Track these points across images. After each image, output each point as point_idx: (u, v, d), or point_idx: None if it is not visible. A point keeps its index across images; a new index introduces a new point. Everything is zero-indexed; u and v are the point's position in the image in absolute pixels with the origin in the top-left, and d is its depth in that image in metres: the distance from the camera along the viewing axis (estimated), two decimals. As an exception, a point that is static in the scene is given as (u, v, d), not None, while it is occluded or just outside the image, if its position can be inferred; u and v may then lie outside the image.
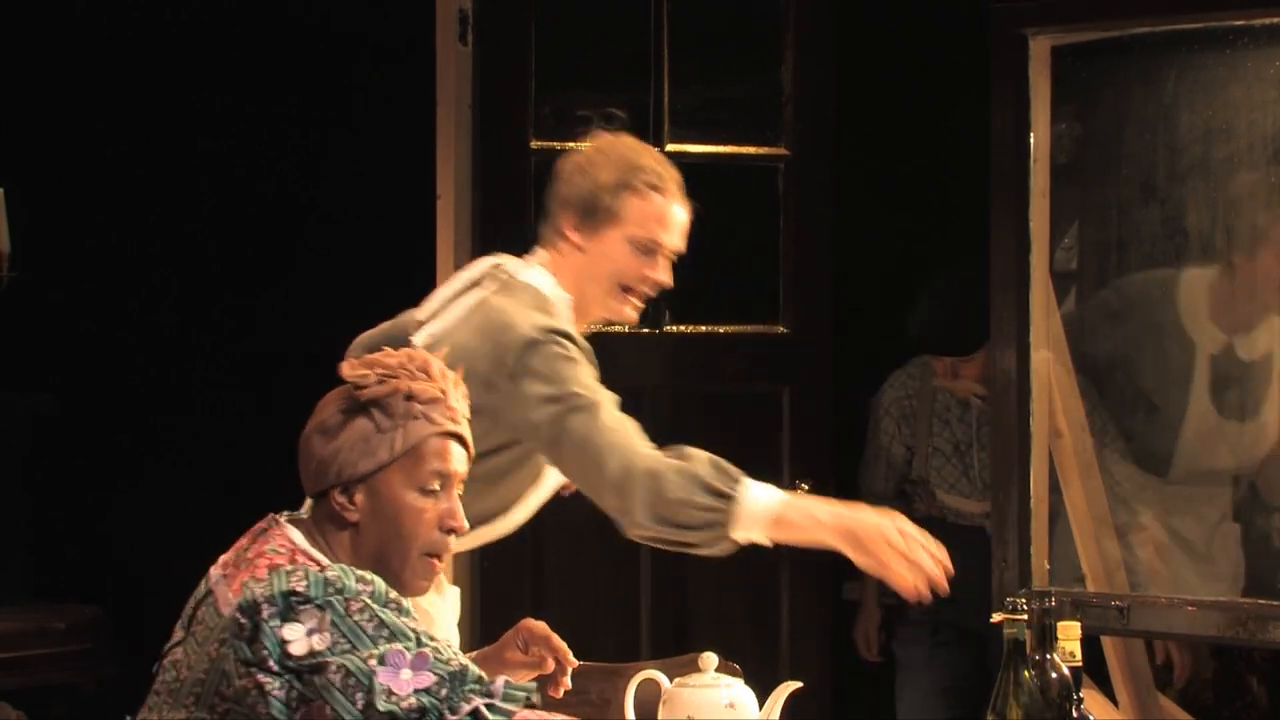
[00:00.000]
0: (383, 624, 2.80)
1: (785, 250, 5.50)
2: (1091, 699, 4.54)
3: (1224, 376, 4.68)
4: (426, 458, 2.97)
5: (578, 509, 5.43)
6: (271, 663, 2.80)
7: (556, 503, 5.43)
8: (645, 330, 5.46)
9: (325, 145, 6.16)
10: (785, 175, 5.50)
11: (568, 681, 3.29)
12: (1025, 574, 4.62)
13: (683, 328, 5.47)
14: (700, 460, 3.48)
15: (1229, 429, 4.66)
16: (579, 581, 5.39)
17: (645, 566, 5.37)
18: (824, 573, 5.53)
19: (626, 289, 3.79)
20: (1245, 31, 4.52)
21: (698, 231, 5.53)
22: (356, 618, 2.80)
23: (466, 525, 3.02)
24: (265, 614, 2.81)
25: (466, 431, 3.02)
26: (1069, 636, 3.09)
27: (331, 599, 2.80)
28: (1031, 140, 4.72)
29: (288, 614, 2.80)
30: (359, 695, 2.76)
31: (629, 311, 3.86)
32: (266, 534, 2.97)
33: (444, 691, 2.77)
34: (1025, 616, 3.06)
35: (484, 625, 5.27)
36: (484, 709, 2.78)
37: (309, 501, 3.04)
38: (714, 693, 3.32)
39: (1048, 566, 4.69)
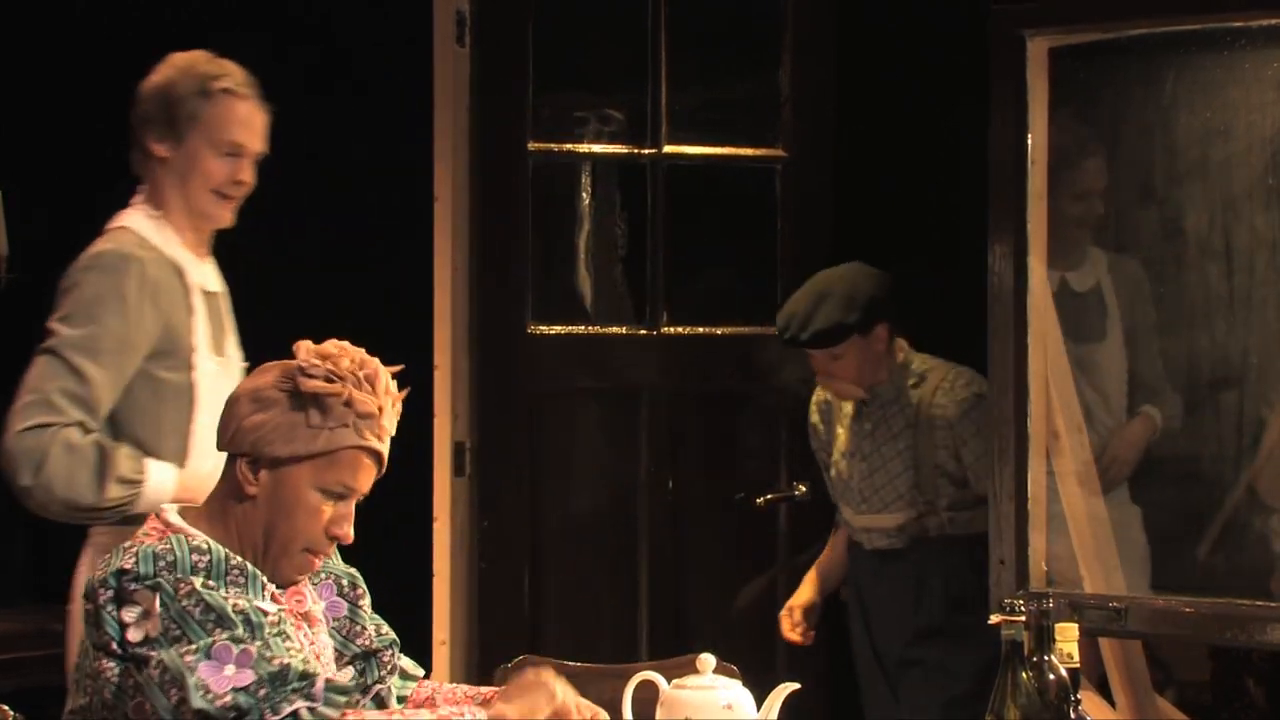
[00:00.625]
0: (209, 608, 2.83)
1: (783, 252, 5.51)
2: (1089, 701, 4.54)
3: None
4: (341, 466, 3.01)
5: (577, 512, 5.46)
6: (114, 645, 2.85)
7: (557, 505, 5.46)
8: (643, 331, 5.47)
9: (322, 146, 6.15)
10: (783, 176, 5.50)
11: None
12: (1023, 575, 4.62)
13: (680, 329, 5.48)
14: None
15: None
16: (578, 583, 5.39)
17: (644, 568, 5.38)
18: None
19: (219, 193, 3.86)
20: (1244, 33, 4.52)
21: (695, 233, 5.56)
22: (184, 602, 2.83)
23: (352, 537, 3.06)
24: (102, 598, 2.87)
25: (386, 450, 3.07)
26: (1067, 638, 3.09)
27: (160, 579, 2.84)
28: (1030, 141, 4.72)
29: (123, 596, 2.85)
30: (174, 692, 2.80)
31: (226, 214, 3.94)
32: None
33: (263, 691, 2.80)
34: (1023, 618, 3.06)
35: (482, 626, 5.28)
36: (305, 712, 2.79)
37: None
38: (712, 694, 3.32)
39: (1045, 568, 4.69)
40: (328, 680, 2.85)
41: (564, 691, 3.03)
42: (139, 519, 3.28)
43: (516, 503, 5.33)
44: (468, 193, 5.31)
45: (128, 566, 2.85)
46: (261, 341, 6.27)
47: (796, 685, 3.35)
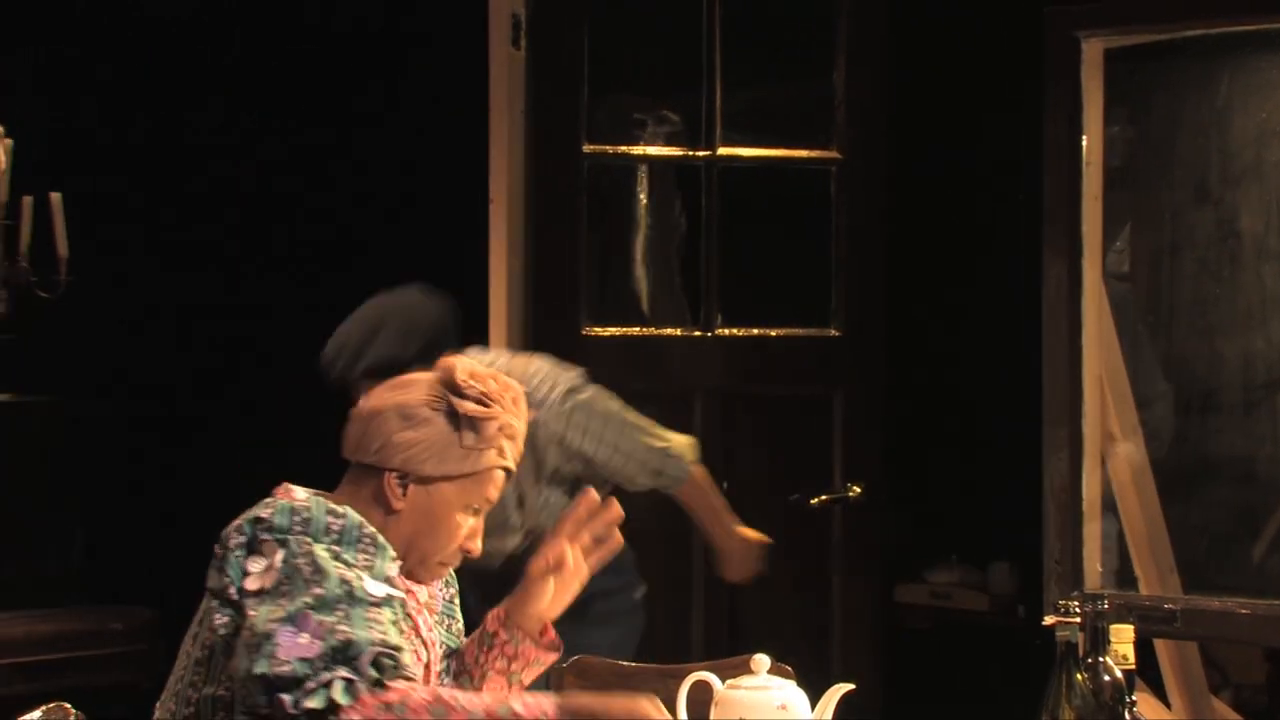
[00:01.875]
0: (317, 569, 2.84)
1: (837, 253, 5.50)
2: (1145, 702, 4.53)
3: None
4: (485, 485, 3.06)
5: (632, 511, 5.47)
6: (232, 590, 2.87)
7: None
8: (697, 333, 5.47)
9: (378, 149, 6.19)
10: (837, 178, 5.50)
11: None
12: (1077, 577, 4.61)
13: (735, 330, 5.48)
14: None
15: None
16: (632, 584, 5.39)
17: (698, 568, 5.37)
18: (876, 574, 5.53)
19: None
20: (1300, 34, 4.51)
21: (749, 234, 5.56)
22: (299, 560, 2.85)
23: (480, 550, 3.10)
24: (233, 542, 2.89)
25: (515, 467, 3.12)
26: (1122, 639, 3.09)
27: (290, 537, 2.86)
28: (1084, 143, 4.72)
29: (254, 545, 2.87)
30: (252, 655, 2.81)
31: None
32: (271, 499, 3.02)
33: (322, 662, 2.79)
34: (1077, 619, 3.06)
35: (537, 627, 5.29)
36: (338, 681, 2.78)
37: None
38: (766, 694, 3.32)
39: (1099, 569, 4.68)
40: (386, 650, 2.84)
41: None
42: None
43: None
44: (523, 195, 5.32)
45: (264, 515, 2.89)
46: (319, 346, 6.32)
47: (851, 686, 3.35)
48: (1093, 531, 4.68)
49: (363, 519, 2.95)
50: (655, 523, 5.43)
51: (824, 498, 5.42)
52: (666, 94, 5.50)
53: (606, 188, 5.52)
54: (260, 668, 2.78)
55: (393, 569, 2.95)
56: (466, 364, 3.07)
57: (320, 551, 2.86)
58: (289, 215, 6.32)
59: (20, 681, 4.90)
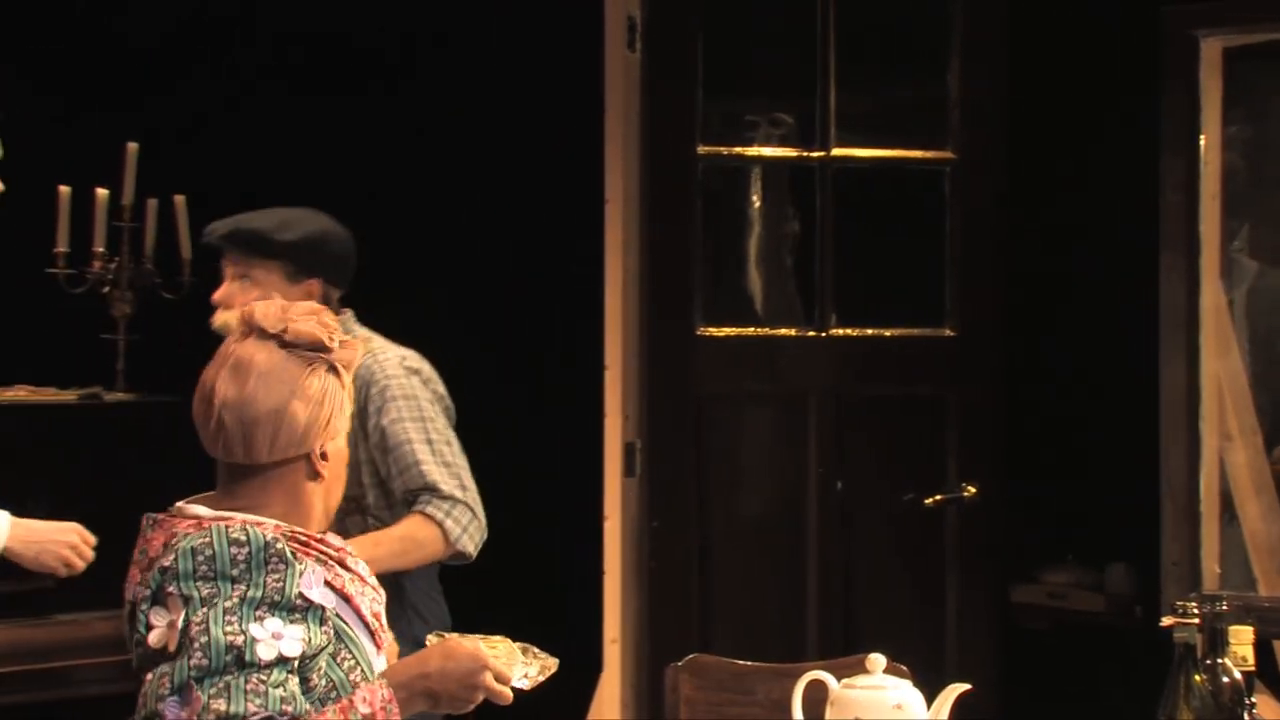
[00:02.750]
0: (205, 631, 2.82)
1: (952, 254, 5.49)
2: (1265, 704, 4.50)
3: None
4: (346, 407, 3.08)
5: (745, 513, 5.49)
6: (139, 649, 2.89)
7: (725, 506, 5.48)
8: (811, 333, 5.48)
9: (494, 150, 6.23)
10: (952, 179, 5.49)
11: None
12: (1195, 578, 4.59)
13: (848, 330, 5.48)
14: None
15: None
16: (747, 583, 5.41)
17: (813, 567, 5.39)
18: (992, 573, 5.52)
19: None
20: None
21: (863, 235, 5.56)
22: (194, 623, 2.83)
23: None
24: (139, 596, 2.91)
25: None
26: (1241, 641, 3.07)
27: (193, 590, 2.84)
28: (1202, 142, 4.69)
29: (159, 595, 2.88)
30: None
31: None
32: (159, 525, 3.02)
33: None
34: (1196, 620, 3.05)
35: (652, 625, 5.32)
36: None
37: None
38: (881, 694, 3.33)
39: (1218, 570, 4.65)
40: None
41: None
42: None
43: (685, 503, 5.36)
44: (638, 196, 5.35)
45: (168, 564, 2.88)
46: (436, 345, 6.36)
47: (967, 686, 3.35)
48: (1211, 532, 4.66)
49: (270, 538, 2.90)
50: (770, 522, 5.45)
51: (939, 497, 5.42)
52: (781, 95, 5.50)
53: (720, 189, 5.53)
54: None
55: (306, 579, 2.91)
56: (298, 315, 3.03)
57: (217, 611, 2.83)
58: (398, 220, 6.36)
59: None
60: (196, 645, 2.80)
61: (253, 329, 3.03)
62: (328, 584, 2.96)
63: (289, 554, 2.90)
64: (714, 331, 5.43)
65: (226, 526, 2.90)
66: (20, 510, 4.06)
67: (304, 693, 2.87)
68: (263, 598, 2.85)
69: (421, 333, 6.35)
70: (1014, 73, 5.57)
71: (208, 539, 2.88)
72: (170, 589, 2.85)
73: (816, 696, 3.39)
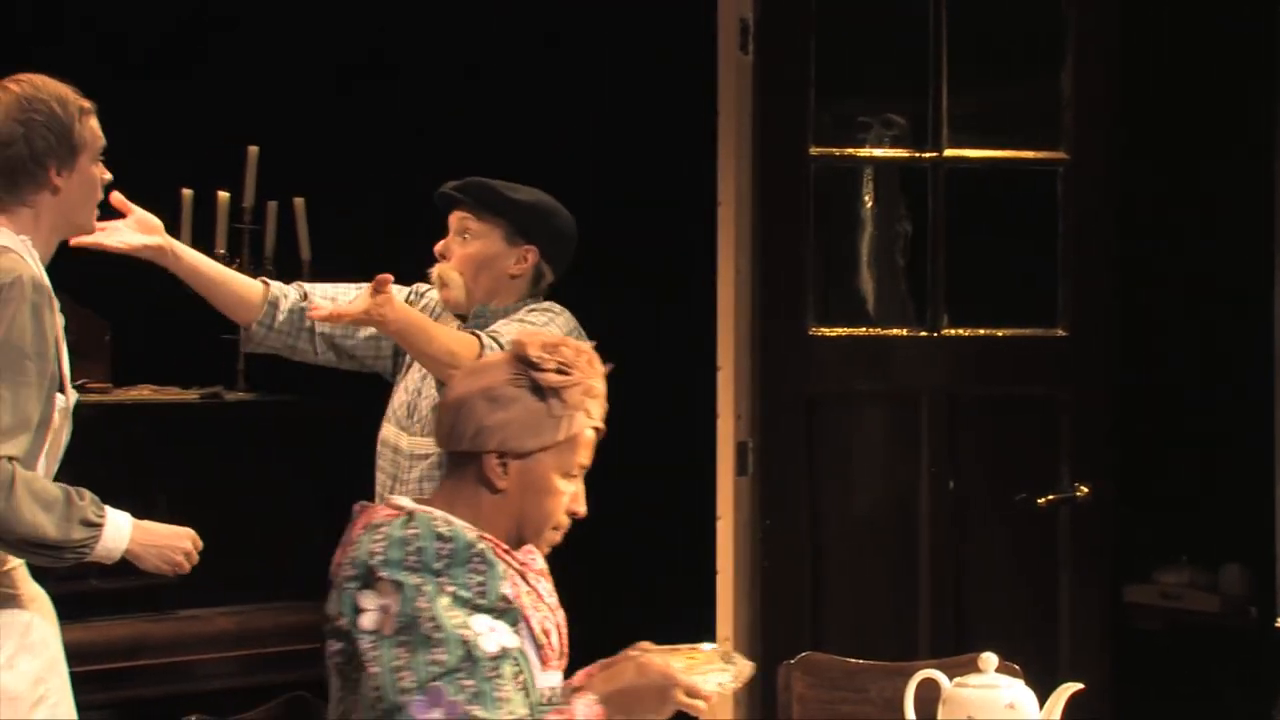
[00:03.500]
0: (437, 624, 2.94)
1: (1064, 254, 5.48)
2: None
3: None
4: (579, 449, 3.16)
5: (858, 512, 5.50)
6: (343, 621, 2.99)
7: (837, 505, 5.50)
8: (923, 333, 5.49)
9: (606, 151, 6.26)
10: (1064, 180, 5.48)
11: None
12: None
13: (960, 331, 5.49)
14: None
15: None
16: (859, 581, 5.42)
17: (924, 566, 5.39)
18: (1105, 574, 5.50)
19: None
20: None
21: (975, 235, 5.56)
22: (418, 612, 2.94)
23: (585, 510, 3.19)
24: (344, 574, 3.01)
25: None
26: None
27: (404, 578, 2.95)
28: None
29: (368, 579, 2.98)
30: (379, 706, 2.93)
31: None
32: (367, 511, 3.12)
33: None
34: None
35: (765, 623, 5.35)
36: None
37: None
38: (994, 693, 3.33)
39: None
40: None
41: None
42: None
43: (798, 502, 5.38)
44: (750, 197, 5.38)
45: (376, 549, 2.99)
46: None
47: (1079, 686, 3.36)
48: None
49: (472, 536, 3.03)
50: (881, 521, 5.46)
51: (1051, 497, 5.41)
52: (893, 96, 5.51)
53: (831, 189, 5.55)
54: None
55: (505, 586, 3.03)
56: (537, 338, 3.17)
57: (439, 604, 2.95)
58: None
59: (268, 671, 5.04)
60: (432, 640, 2.94)
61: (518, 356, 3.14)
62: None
63: (490, 554, 3.03)
64: (826, 331, 5.45)
65: (431, 520, 3.03)
66: (144, 506, 4.15)
67: None
68: (469, 600, 2.98)
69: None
70: (1128, 72, 5.55)
71: (416, 530, 3.01)
72: (382, 574, 2.97)
73: (929, 695, 3.40)
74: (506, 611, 3.02)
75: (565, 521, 3.19)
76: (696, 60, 5.47)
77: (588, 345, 3.22)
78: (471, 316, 4.40)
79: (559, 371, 3.12)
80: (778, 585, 5.35)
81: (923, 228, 5.51)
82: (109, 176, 3.80)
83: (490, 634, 2.98)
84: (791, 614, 5.33)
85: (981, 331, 5.49)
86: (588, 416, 3.15)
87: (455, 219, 4.42)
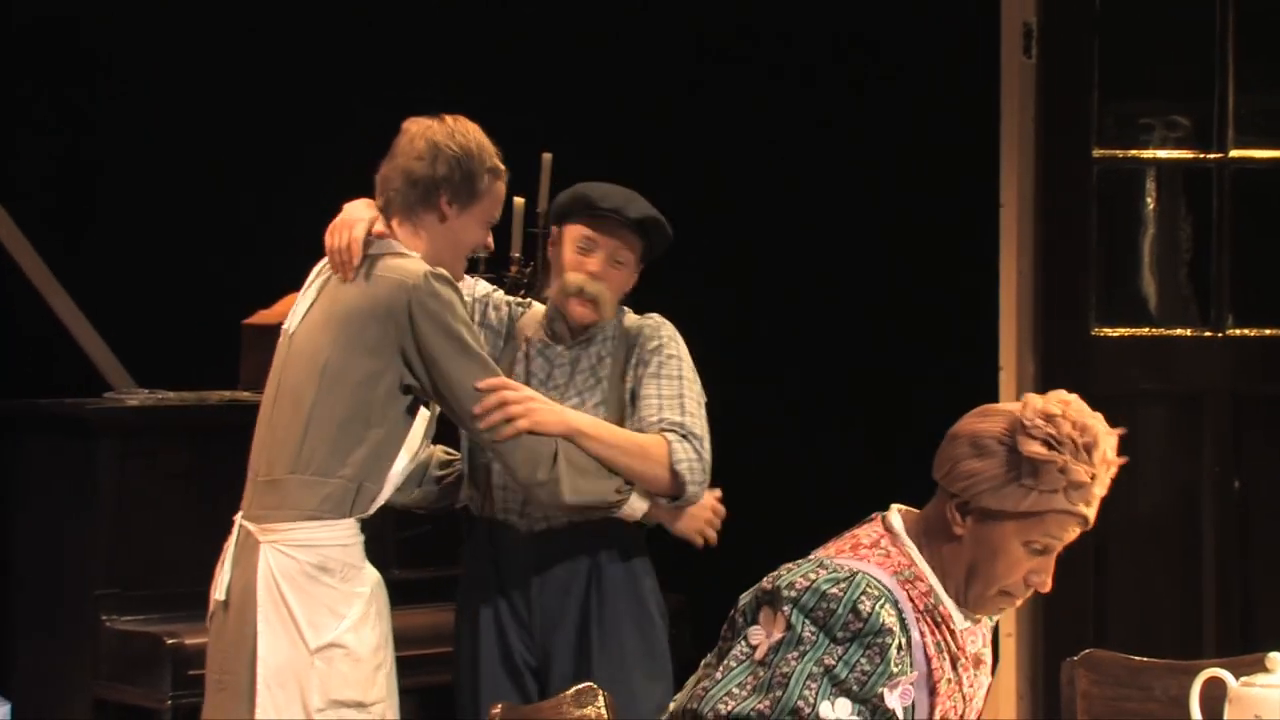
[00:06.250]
0: (786, 682, 2.88)
1: (1353, 253, 5.43)
2: None
3: None
4: (1046, 525, 2.99)
5: (1140, 511, 5.49)
6: (739, 618, 2.98)
7: (1119, 504, 5.49)
8: (1207, 333, 5.46)
9: (890, 154, 6.29)
10: (1353, 178, 5.43)
11: None
12: None
13: (1246, 331, 5.46)
14: None
15: None
16: (1142, 581, 5.42)
17: (1209, 565, 5.37)
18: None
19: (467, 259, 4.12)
20: None
21: (1261, 235, 5.51)
22: (783, 662, 2.90)
23: (1049, 586, 3.07)
24: (769, 586, 2.96)
25: (1093, 515, 3.03)
26: None
27: (802, 629, 2.90)
28: None
29: (775, 601, 2.93)
30: (692, 705, 2.93)
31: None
32: (870, 521, 3.09)
33: None
34: None
35: (1048, 620, 5.37)
36: None
37: None
38: (1281, 693, 3.32)
39: None
40: None
41: None
42: None
43: (1079, 501, 5.38)
44: (1033, 198, 5.41)
45: (800, 584, 2.94)
46: (834, 343, 6.44)
47: (1368, 687, 3.33)
48: None
49: (887, 622, 2.93)
50: (1165, 520, 5.44)
51: (1339, 497, 5.35)
52: (1177, 97, 5.49)
53: (1114, 190, 5.55)
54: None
55: (894, 683, 2.93)
56: (1044, 403, 3.01)
57: (805, 668, 2.89)
58: (796, 217, 6.45)
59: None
60: (771, 690, 2.90)
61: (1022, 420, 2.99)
62: (929, 670, 3.00)
63: (892, 652, 2.94)
64: (1108, 332, 5.45)
65: (864, 591, 2.94)
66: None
67: None
68: (845, 680, 2.91)
69: (821, 332, 6.49)
70: None
71: (840, 590, 2.93)
72: (786, 609, 2.93)
73: (1214, 694, 3.38)
74: (877, 711, 2.93)
75: (1018, 591, 3.05)
76: (979, 64, 5.51)
77: (1102, 429, 3.01)
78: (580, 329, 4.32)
79: (1045, 445, 2.96)
80: (1060, 582, 5.32)
81: (1206, 226, 5.49)
82: (491, 246, 4.12)
83: (839, 707, 2.91)
84: (1074, 611, 5.34)
85: (1268, 331, 5.45)
86: (1066, 501, 2.96)
87: (609, 243, 4.27)
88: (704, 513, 4.04)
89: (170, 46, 6.10)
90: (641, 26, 6.46)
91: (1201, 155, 5.45)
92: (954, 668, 3.03)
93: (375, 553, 4.03)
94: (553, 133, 5.99)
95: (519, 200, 5.76)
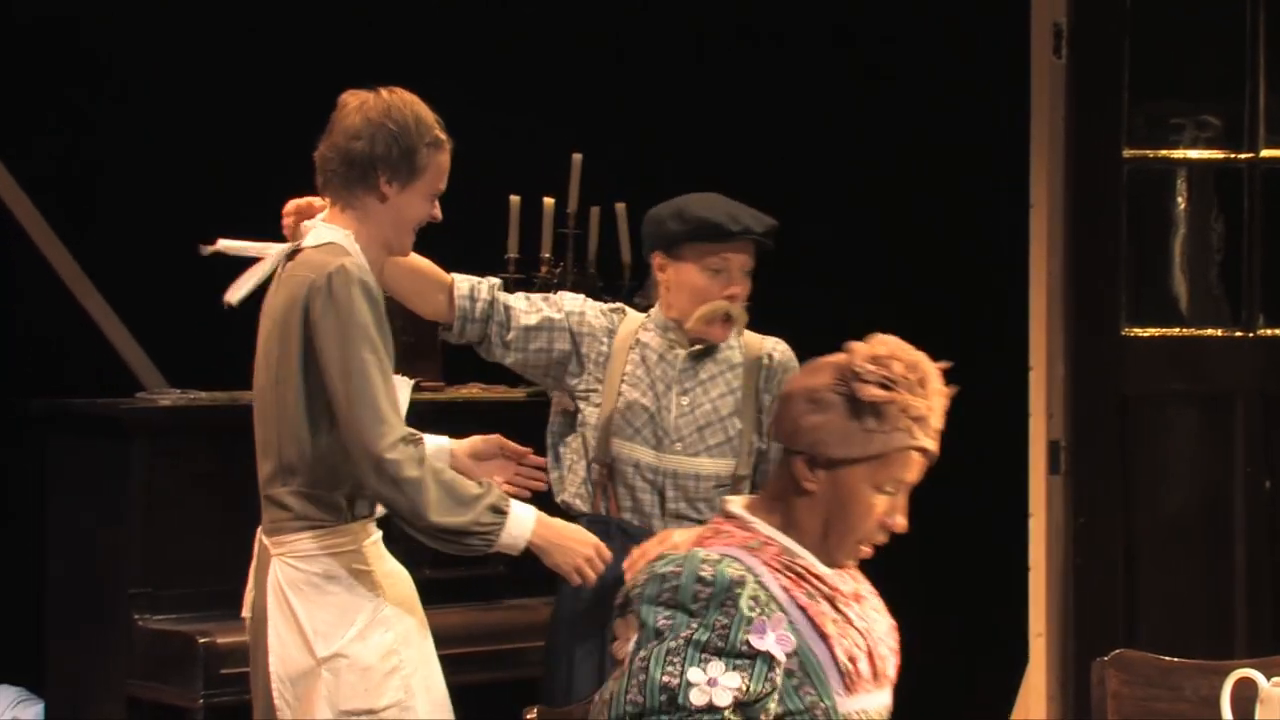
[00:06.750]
0: (647, 674, 2.93)
1: (1384, 253, 5.42)
2: None
3: None
4: (894, 465, 3.06)
5: (1171, 512, 5.49)
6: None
7: (1150, 505, 5.49)
8: (1238, 333, 5.46)
9: (920, 152, 6.30)
10: (1383, 178, 5.42)
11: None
12: None
13: (1277, 331, 5.45)
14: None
15: None
16: (1173, 580, 5.41)
17: (1240, 565, 5.36)
18: None
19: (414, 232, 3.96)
20: None
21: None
22: (639, 658, 2.95)
23: (905, 525, 3.11)
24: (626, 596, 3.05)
25: (936, 446, 3.09)
26: None
27: (651, 618, 2.95)
28: None
29: (622, 608, 3.02)
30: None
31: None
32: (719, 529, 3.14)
33: None
34: None
35: (1078, 620, 5.37)
36: None
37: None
38: (1313, 693, 3.32)
39: None
40: None
41: None
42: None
43: (1110, 501, 5.39)
44: (1063, 199, 5.41)
45: (640, 582, 3.01)
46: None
47: (1400, 687, 3.33)
48: None
49: (735, 574, 2.97)
50: (1195, 520, 5.44)
51: (1370, 499, 5.35)
52: (1208, 98, 5.48)
53: (1144, 190, 5.55)
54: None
55: (757, 626, 2.96)
56: (869, 348, 3.08)
57: (661, 651, 2.93)
58: (826, 218, 6.45)
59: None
60: (634, 681, 2.94)
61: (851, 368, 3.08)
62: (809, 618, 3.04)
63: (744, 601, 2.97)
64: (1138, 332, 5.45)
65: (703, 561, 2.99)
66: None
67: None
68: (708, 641, 2.94)
69: (849, 333, 6.48)
70: None
71: (679, 569, 2.99)
72: (634, 608, 2.99)
73: (1245, 694, 3.39)
74: (755, 656, 2.95)
75: (877, 536, 3.12)
76: (1009, 64, 5.51)
77: (928, 364, 3.11)
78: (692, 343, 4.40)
79: (880, 386, 3.04)
80: (1090, 583, 5.37)
81: (1237, 226, 5.48)
82: (438, 217, 3.94)
83: (705, 687, 2.93)
84: (1104, 611, 5.34)
85: (1299, 331, 5.44)
86: (909, 436, 3.05)
87: (742, 260, 4.37)
88: (583, 549, 3.94)
89: (170, 46, 6.10)
90: (641, 26, 6.47)
91: (1232, 155, 5.45)
92: (835, 608, 3.07)
93: (407, 552, 4.01)
94: (553, 133, 6.01)
95: (549, 201, 5.78)
